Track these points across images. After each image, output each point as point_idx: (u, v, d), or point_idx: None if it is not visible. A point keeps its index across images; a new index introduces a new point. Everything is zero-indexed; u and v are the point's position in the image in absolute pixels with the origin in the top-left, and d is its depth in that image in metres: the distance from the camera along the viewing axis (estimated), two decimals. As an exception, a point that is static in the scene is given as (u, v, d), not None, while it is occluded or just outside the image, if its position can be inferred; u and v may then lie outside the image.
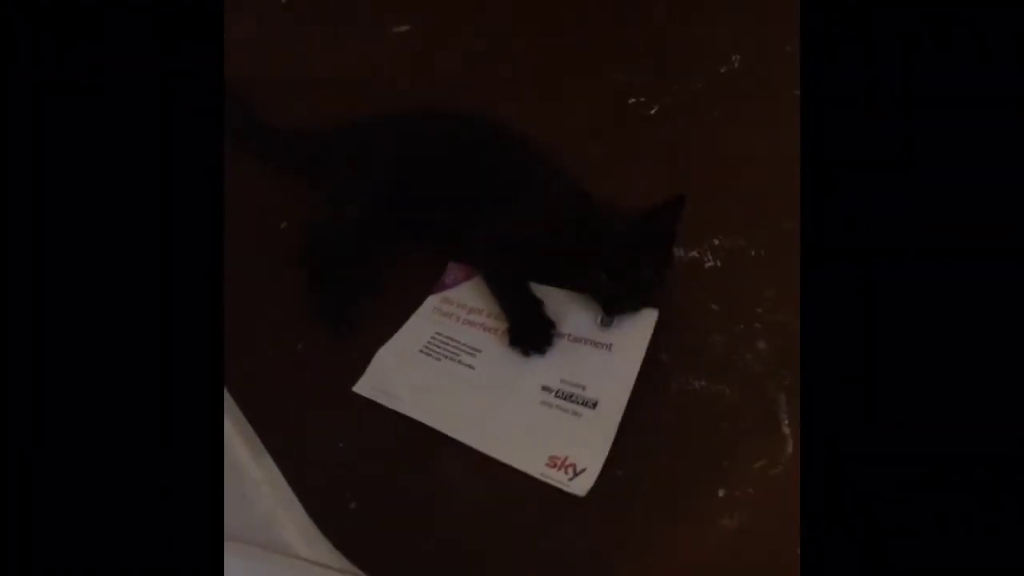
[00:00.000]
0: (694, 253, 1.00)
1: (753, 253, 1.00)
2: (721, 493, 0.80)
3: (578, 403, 0.86)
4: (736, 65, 1.25)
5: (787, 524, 0.77)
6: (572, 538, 0.79)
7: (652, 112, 1.20)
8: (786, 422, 0.85)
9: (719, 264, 1.00)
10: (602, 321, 0.91)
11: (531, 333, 0.90)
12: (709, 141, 1.14)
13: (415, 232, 1.01)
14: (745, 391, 0.88)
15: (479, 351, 0.91)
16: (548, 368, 0.89)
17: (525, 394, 0.87)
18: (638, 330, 0.89)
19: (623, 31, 1.35)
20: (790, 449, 0.82)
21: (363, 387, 0.89)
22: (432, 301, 0.97)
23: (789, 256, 0.98)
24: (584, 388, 0.87)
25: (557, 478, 0.80)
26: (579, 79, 1.26)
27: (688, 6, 1.37)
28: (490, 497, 0.81)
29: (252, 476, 0.74)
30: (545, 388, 0.87)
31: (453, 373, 0.90)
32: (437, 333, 0.93)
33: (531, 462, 0.82)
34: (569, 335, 0.91)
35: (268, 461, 0.77)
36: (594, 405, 0.85)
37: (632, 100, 1.21)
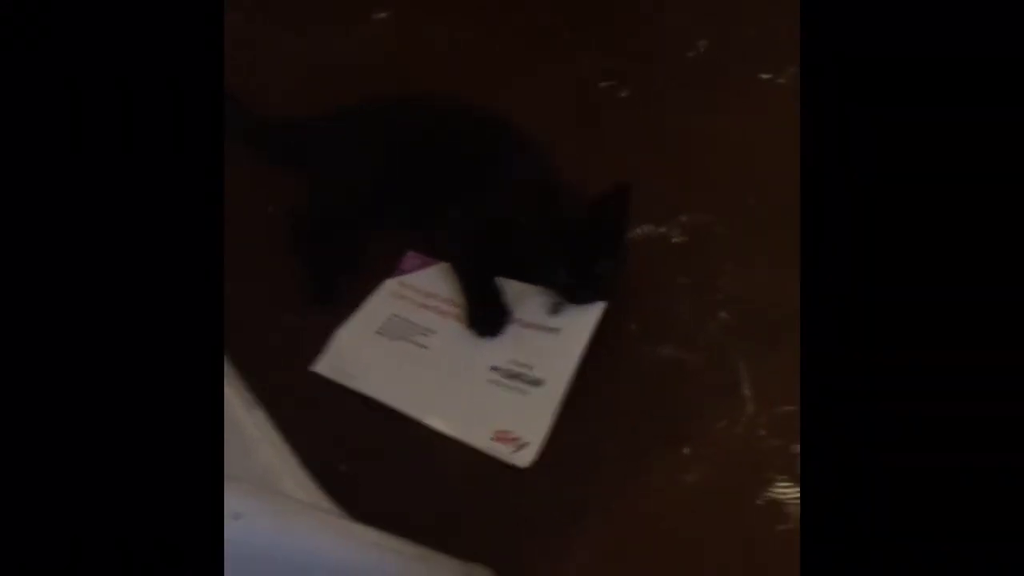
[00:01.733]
0: (662, 229, 1.05)
1: (718, 229, 1.05)
2: (686, 451, 0.86)
3: (524, 382, 0.90)
4: (702, 50, 1.29)
5: (746, 479, 0.84)
6: (545, 495, 0.84)
7: (622, 95, 1.24)
8: (746, 386, 0.91)
9: (686, 239, 1.04)
10: (552, 308, 0.95)
11: (488, 317, 0.94)
12: (677, 123, 1.18)
13: (395, 216, 1.05)
14: (708, 358, 0.93)
15: (433, 332, 0.95)
16: (498, 349, 0.93)
17: (475, 373, 0.92)
18: (585, 316, 0.94)
19: (593, 18, 1.38)
20: (750, 410, 0.88)
21: (323, 367, 0.93)
22: (390, 285, 1.01)
23: (752, 232, 1.04)
24: (531, 368, 0.91)
25: (502, 451, 0.86)
26: (551, 65, 1.30)
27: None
28: (467, 462, 0.86)
29: (250, 433, 0.79)
30: (494, 368, 0.92)
31: (407, 352, 0.94)
32: (394, 315, 0.97)
33: (478, 436, 0.87)
34: (520, 320, 0.95)
35: (264, 421, 0.82)
36: (539, 384, 0.90)
37: (603, 84, 1.25)
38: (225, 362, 0.83)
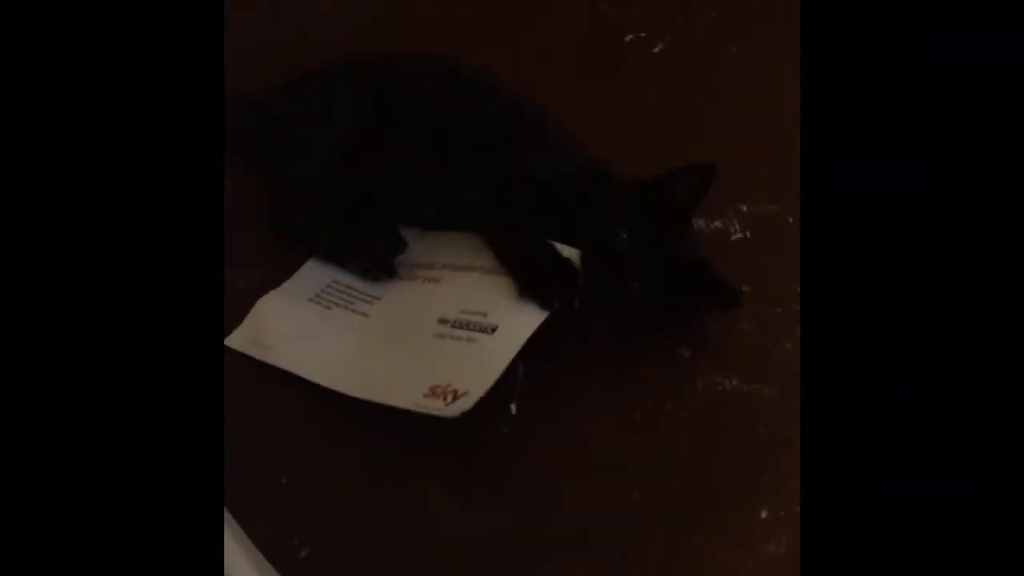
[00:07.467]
0: (717, 223, 0.91)
1: (790, 219, 0.91)
2: (764, 514, 0.73)
3: (475, 330, 0.83)
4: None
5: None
6: (578, 571, 0.72)
7: (655, 50, 1.12)
8: (837, 425, 0.76)
9: (749, 235, 0.91)
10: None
11: (550, 280, 0.82)
12: (726, 85, 1.06)
13: (388, 201, 0.92)
14: (785, 389, 0.80)
15: (378, 298, 0.89)
16: (450, 300, 0.86)
17: (419, 331, 0.85)
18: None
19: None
20: (843, 458, 0.74)
21: (235, 340, 0.87)
22: None
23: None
24: (485, 315, 0.83)
25: (433, 406, 0.76)
26: (565, 14, 1.18)
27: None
28: (476, 529, 0.75)
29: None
30: (442, 320, 0.85)
31: (341, 321, 0.88)
32: (335, 280, 0.91)
33: (408, 395, 0.78)
34: (482, 267, 0.87)
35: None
36: (492, 331, 0.82)
37: (630, 36, 1.13)
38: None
